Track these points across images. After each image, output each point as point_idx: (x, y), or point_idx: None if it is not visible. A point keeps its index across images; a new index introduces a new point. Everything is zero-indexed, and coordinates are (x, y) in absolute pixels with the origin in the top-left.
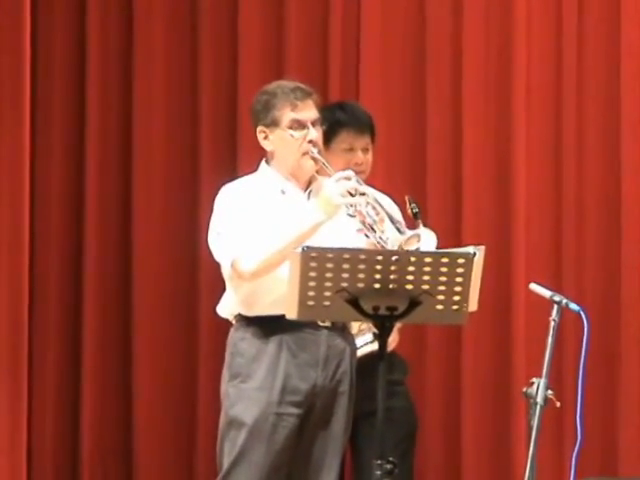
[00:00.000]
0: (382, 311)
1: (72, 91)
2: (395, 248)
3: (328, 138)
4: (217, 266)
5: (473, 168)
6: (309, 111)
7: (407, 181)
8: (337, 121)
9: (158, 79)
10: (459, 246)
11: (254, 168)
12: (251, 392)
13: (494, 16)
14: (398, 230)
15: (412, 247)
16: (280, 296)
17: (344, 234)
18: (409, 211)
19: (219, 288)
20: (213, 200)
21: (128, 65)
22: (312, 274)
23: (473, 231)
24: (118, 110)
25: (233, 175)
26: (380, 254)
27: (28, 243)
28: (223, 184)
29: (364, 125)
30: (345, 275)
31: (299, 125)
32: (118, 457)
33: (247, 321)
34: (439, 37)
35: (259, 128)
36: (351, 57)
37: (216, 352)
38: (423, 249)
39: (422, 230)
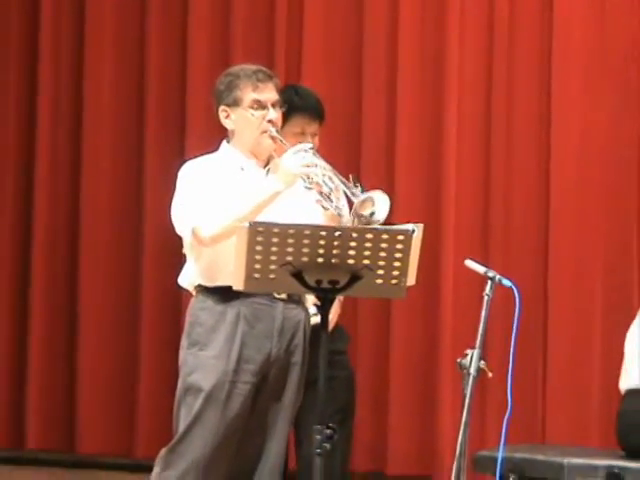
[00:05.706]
0: (324, 284)
1: (23, 85)
2: (350, 215)
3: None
4: (161, 243)
5: (406, 151)
6: (269, 93)
7: (342, 161)
8: (292, 105)
9: (108, 67)
10: (391, 225)
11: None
12: (209, 360)
13: (430, 10)
14: (353, 194)
15: (367, 210)
16: None
17: (302, 207)
18: None
19: (162, 265)
20: (157, 186)
21: (79, 59)
22: (258, 248)
23: (405, 211)
24: (68, 101)
25: (180, 160)
26: (324, 230)
27: None
28: (167, 169)
29: (317, 111)
30: (290, 249)
31: (259, 105)
32: (62, 429)
33: (207, 292)
34: (376, 25)
35: (221, 107)
36: (295, 43)
37: (157, 324)
38: (378, 211)
39: (375, 193)
